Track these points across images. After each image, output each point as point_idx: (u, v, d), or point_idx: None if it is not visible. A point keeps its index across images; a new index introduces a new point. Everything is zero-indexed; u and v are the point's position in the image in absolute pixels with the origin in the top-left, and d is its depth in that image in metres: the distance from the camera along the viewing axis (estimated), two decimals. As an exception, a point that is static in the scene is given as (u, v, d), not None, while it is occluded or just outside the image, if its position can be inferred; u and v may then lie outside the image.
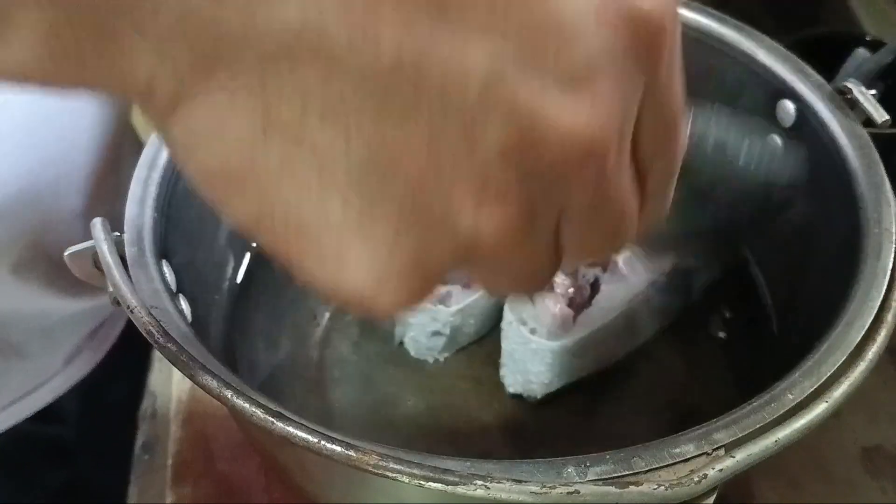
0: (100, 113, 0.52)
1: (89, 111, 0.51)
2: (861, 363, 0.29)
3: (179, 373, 0.29)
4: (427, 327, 0.43)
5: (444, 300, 0.43)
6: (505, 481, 0.25)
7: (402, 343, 0.44)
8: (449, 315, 0.42)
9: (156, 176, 0.36)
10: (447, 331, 0.43)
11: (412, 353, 0.43)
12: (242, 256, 0.45)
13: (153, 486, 0.44)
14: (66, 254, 0.33)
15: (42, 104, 0.47)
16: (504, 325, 0.43)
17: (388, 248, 0.19)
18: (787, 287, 0.43)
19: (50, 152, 0.49)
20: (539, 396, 0.42)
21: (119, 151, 0.56)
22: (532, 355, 0.41)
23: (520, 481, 0.25)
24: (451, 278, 0.44)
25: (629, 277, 0.43)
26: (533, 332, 0.41)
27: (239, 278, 0.45)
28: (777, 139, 0.42)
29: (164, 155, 0.37)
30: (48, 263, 0.51)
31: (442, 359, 0.44)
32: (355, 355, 0.44)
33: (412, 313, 0.43)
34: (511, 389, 0.42)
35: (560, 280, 0.43)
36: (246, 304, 0.44)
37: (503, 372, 0.43)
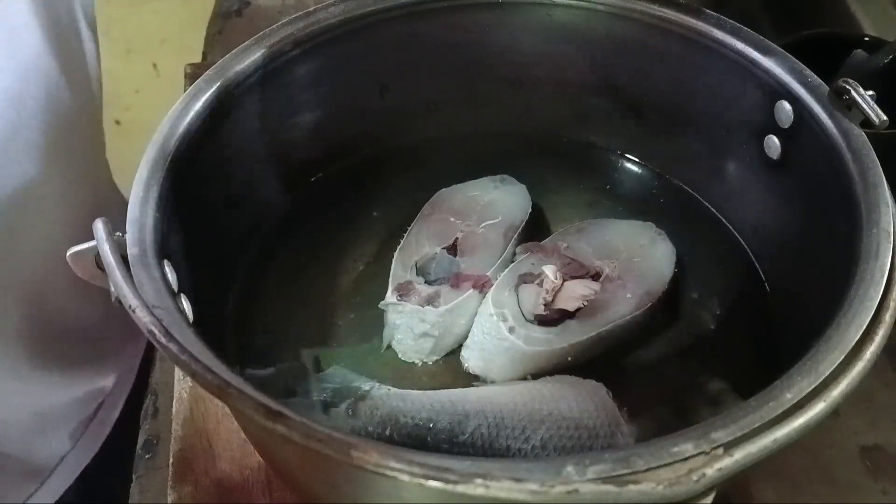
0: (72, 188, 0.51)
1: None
2: (859, 363, 0.30)
3: (181, 372, 0.29)
4: (415, 329, 0.42)
5: (432, 301, 0.43)
6: (505, 480, 0.25)
7: (389, 346, 0.43)
8: (437, 316, 0.42)
9: (157, 176, 0.37)
10: (436, 332, 0.42)
11: (400, 355, 0.43)
12: (246, 257, 0.46)
13: (154, 484, 0.44)
14: (68, 254, 0.33)
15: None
16: (482, 312, 0.43)
17: None
18: (786, 286, 0.43)
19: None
20: (497, 382, 0.42)
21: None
22: (502, 351, 0.41)
23: (520, 480, 0.25)
24: (440, 279, 0.44)
25: (619, 297, 0.43)
26: (511, 330, 0.41)
27: (241, 279, 0.45)
28: (776, 140, 0.43)
29: (166, 156, 0.38)
30: (45, 353, 0.50)
31: (430, 361, 0.43)
32: (348, 358, 0.43)
33: (400, 314, 0.43)
34: (471, 370, 0.42)
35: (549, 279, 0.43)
36: (247, 305, 0.44)
37: (465, 354, 0.42)
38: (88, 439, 0.57)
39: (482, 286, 0.44)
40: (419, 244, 0.46)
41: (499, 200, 0.49)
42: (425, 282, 0.44)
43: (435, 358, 0.43)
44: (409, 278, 0.44)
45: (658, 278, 0.45)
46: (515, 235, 0.47)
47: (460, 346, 0.43)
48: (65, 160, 0.50)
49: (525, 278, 0.44)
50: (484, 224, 0.47)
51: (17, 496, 0.53)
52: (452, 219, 0.47)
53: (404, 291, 0.43)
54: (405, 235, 0.47)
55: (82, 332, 0.54)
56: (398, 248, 0.46)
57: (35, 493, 0.54)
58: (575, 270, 0.44)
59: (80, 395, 0.55)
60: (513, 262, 0.46)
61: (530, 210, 0.48)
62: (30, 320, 0.49)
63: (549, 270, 0.43)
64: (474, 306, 0.43)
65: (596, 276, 0.44)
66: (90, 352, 0.55)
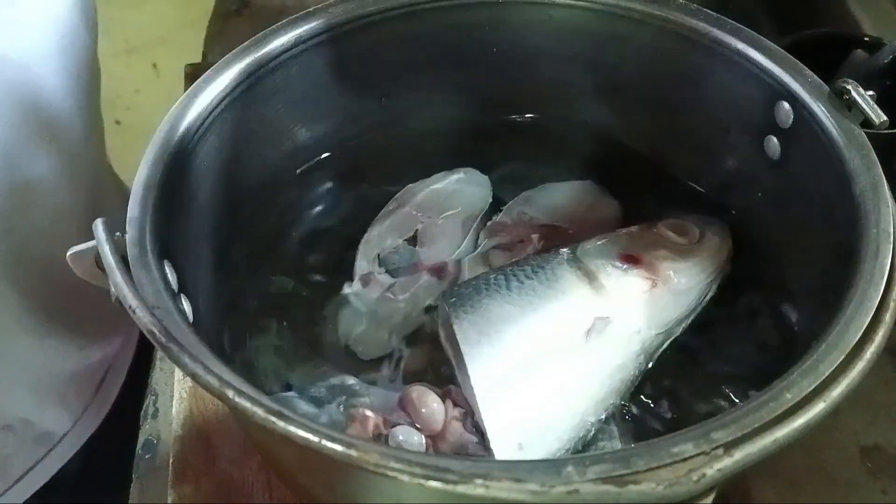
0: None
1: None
2: (859, 363, 0.30)
3: (181, 372, 0.29)
4: (378, 316, 0.43)
5: (391, 290, 0.43)
6: (505, 480, 0.25)
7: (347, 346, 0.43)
8: (397, 304, 0.43)
9: (157, 176, 0.36)
10: (396, 320, 0.43)
11: (358, 355, 0.42)
12: (246, 256, 0.46)
13: (154, 485, 0.44)
14: (68, 254, 0.33)
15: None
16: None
17: None
18: (787, 286, 0.43)
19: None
20: None
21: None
22: None
23: (520, 480, 0.25)
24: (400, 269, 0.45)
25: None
26: None
27: (240, 278, 0.45)
28: (775, 141, 0.43)
29: (166, 156, 0.38)
30: (65, 319, 0.51)
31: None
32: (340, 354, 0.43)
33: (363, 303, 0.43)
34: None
35: None
36: (246, 304, 0.45)
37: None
38: (93, 410, 0.58)
39: (438, 272, 0.44)
40: (381, 237, 0.47)
41: (459, 192, 0.49)
42: (387, 272, 0.45)
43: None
44: (371, 269, 0.45)
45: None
46: (475, 224, 0.47)
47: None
48: (66, 159, 0.51)
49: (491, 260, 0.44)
50: (444, 215, 0.48)
51: (25, 459, 0.54)
52: (415, 212, 0.48)
53: (366, 282, 0.44)
54: (368, 229, 0.47)
55: (89, 298, 0.55)
56: (361, 240, 0.47)
57: (43, 460, 0.55)
58: (536, 231, 0.46)
59: (89, 362, 0.57)
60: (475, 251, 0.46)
61: (490, 200, 0.49)
62: (45, 283, 0.50)
63: (535, 237, 0.44)
64: (432, 293, 0.44)
65: (561, 236, 0.45)
66: (97, 318, 0.56)
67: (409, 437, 0.36)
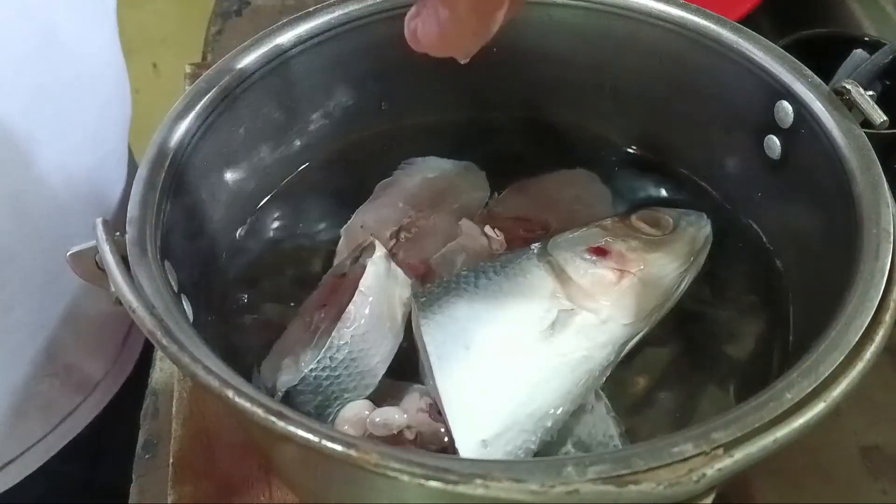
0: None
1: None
2: (859, 363, 0.30)
3: (181, 372, 0.29)
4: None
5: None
6: (505, 480, 0.25)
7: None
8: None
9: (157, 176, 0.37)
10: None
11: None
12: (247, 256, 0.46)
13: (154, 484, 0.44)
14: (68, 254, 0.33)
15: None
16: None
17: None
18: (787, 286, 0.43)
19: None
20: None
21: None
22: None
23: (519, 480, 0.25)
24: None
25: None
26: None
27: (241, 278, 0.45)
28: (775, 140, 0.43)
29: (166, 156, 0.38)
30: None
31: None
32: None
33: None
34: None
35: None
36: (247, 304, 0.45)
37: None
38: (123, 361, 0.60)
39: (422, 275, 0.43)
40: (366, 227, 0.46)
41: (456, 187, 0.49)
42: None
43: None
44: None
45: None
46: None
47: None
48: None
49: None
50: (437, 210, 0.47)
51: (65, 405, 0.55)
52: (401, 204, 0.47)
53: None
54: (353, 215, 0.47)
55: None
56: (343, 227, 0.46)
57: (80, 406, 0.56)
58: (524, 226, 0.45)
59: (118, 310, 0.57)
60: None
61: (487, 199, 0.48)
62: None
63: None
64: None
65: (546, 228, 0.45)
66: None
67: (390, 417, 0.36)
